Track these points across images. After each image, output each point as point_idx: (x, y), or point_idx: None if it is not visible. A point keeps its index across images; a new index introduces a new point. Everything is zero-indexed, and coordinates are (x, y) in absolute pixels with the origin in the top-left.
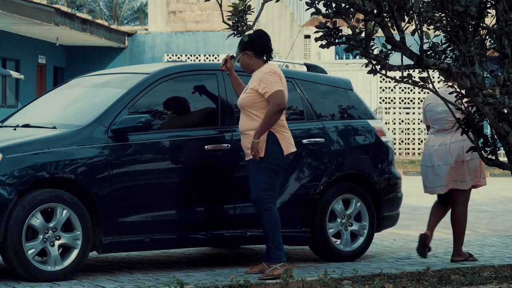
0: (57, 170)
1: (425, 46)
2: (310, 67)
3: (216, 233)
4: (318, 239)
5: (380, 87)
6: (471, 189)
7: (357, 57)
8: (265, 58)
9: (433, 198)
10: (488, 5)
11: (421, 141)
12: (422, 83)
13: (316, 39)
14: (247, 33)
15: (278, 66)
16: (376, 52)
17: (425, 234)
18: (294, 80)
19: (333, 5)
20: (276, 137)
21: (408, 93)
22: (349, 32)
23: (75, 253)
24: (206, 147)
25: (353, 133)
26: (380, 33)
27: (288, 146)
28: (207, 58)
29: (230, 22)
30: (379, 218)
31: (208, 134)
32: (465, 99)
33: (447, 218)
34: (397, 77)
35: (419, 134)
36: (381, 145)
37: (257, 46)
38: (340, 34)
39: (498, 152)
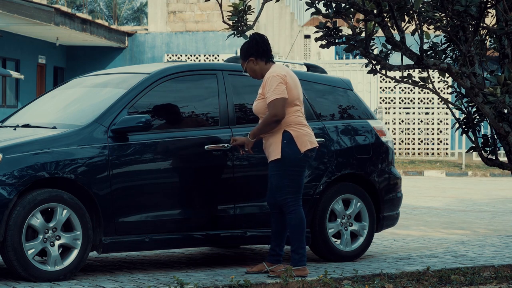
0: (57, 170)
1: (425, 46)
2: (310, 67)
3: (216, 233)
4: (318, 239)
5: (380, 87)
6: None
7: (357, 57)
8: (267, 58)
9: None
10: (488, 5)
11: (421, 141)
12: (422, 83)
13: (316, 39)
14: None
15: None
16: (376, 52)
17: None
18: None
19: (333, 5)
20: (291, 135)
21: (408, 93)
22: (349, 32)
23: (75, 253)
24: (206, 147)
25: (353, 133)
26: (380, 33)
27: (305, 143)
28: (207, 58)
29: (230, 22)
30: (379, 218)
31: (208, 134)
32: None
33: (447, 218)
34: (397, 77)
35: (419, 134)
36: (381, 145)
37: (256, 50)
38: (340, 34)
39: (498, 152)
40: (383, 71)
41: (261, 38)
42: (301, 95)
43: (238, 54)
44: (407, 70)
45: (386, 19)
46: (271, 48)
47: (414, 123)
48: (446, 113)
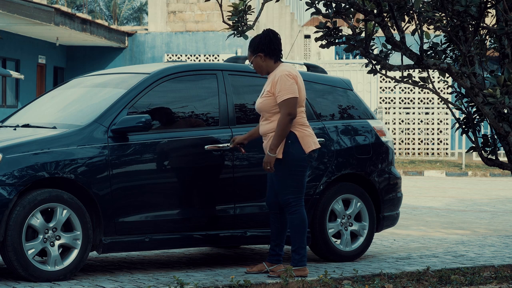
0: (57, 170)
1: (425, 46)
2: (310, 67)
3: (216, 233)
4: (318, 239)
5: (380, 87)
6: None
7: (357, 57)
8: (277, 58)
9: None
10: (488, 5)
11: (421, 141)
12: (422, 83)
13: (316, 39)
14: (255, 33)
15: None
16: (376, 52)
17: None
18: None
19: (333, 5)
20: (296, 136)
21: (408, 93)
22: (349, 32)
23: (75, 253)
24: (206, 147)
25: (353, 133)
26: (380, 33)
27: (309, 144)
28: (207, 58)
29: (230, 22)
30: (379, 218)
31: (208, 134)
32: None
33: (447, 218)
34: (397, 77)
35: (419, 134)
36: (381, 145)
37: (267, 47)
38: (340, 34)
39: (498, 152)
40: (383, 71)
41: (275, 36)
42: (305, 97)
43: (238, 54)
44: (407, 70)
45: (386, 19)
46: (281, 48)
47: (414, 123)
48: (446, 113)
